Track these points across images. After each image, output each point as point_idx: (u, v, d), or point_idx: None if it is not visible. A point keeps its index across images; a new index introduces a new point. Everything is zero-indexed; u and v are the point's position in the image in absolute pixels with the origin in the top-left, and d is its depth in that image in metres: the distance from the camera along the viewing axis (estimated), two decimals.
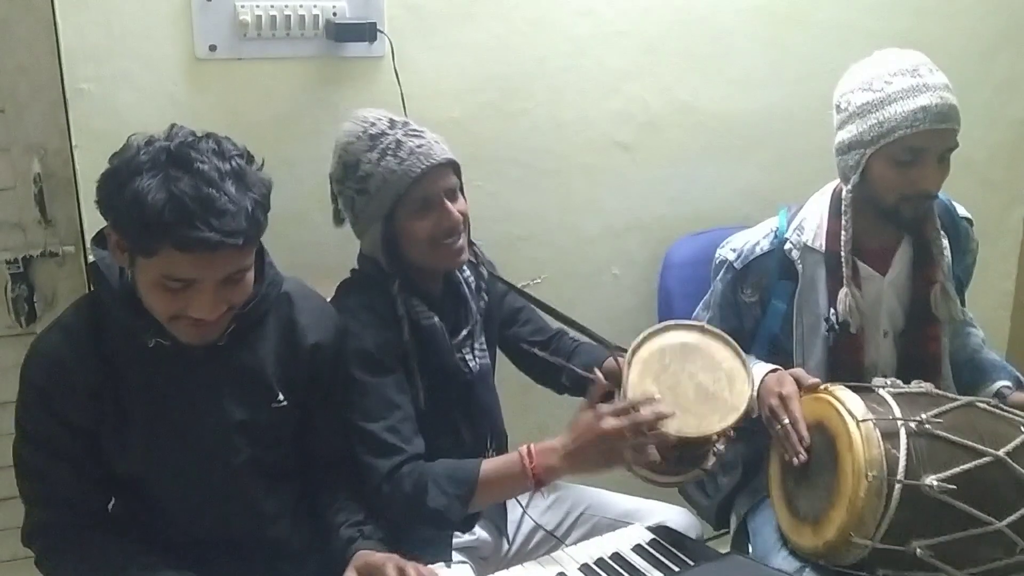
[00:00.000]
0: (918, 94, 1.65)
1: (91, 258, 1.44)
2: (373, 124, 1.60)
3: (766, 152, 2.31)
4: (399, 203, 1.58)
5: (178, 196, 1.25)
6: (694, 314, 1.94)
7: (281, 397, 1.50)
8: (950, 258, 1.83)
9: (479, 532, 1.76)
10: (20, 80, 1.72)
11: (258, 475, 1.52)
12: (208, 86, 1.80)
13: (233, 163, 1.32)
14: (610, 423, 1.47)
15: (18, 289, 1.80)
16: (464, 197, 1.68)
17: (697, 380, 1.56)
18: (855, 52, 1.81)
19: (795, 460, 1.58)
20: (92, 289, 1.48)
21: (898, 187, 1.69)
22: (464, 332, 1.72)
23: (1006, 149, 2.67)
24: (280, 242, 1.78)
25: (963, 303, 1.92)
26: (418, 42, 1.94)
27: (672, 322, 1.65)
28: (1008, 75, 2.60)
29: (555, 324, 1.89)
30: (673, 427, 1.49)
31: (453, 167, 1.64)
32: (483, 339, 1.79)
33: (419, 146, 1.58)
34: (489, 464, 1.55)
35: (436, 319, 1.66)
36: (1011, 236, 2.75)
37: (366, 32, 1.83)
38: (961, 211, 1.90)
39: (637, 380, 1.55)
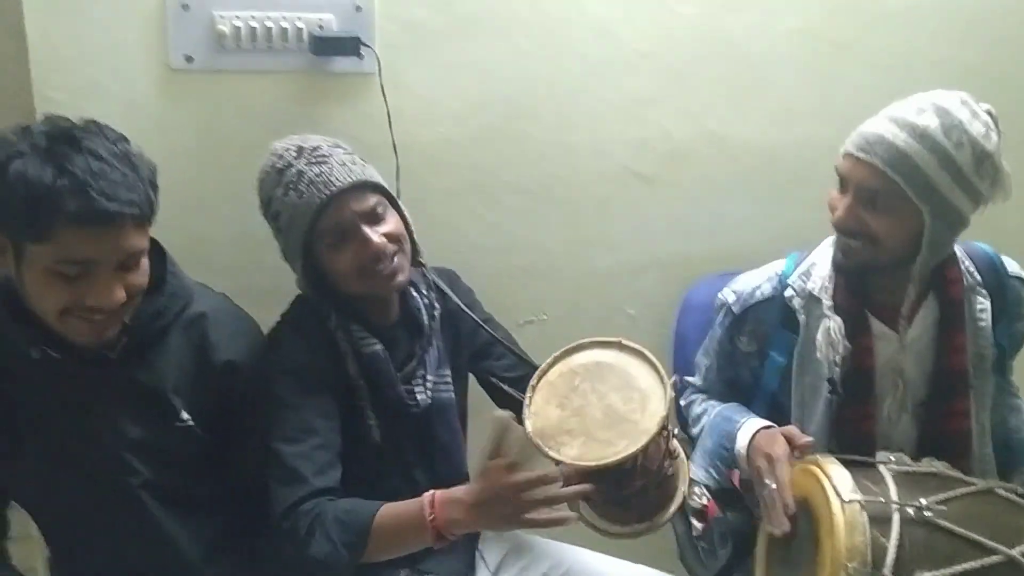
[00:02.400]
0: (877, 119, 1.50)
1: None
2: (281, 156, 1.50)
3: (808, 190, 2.08)
4: (311, 238, 1.48)
5: (69, 170, 1.21)
6: (695, 360, 1.77)
7: (185, 416, 1.43)
8: (989, 321, 1.59)
9: None
10: None
11: (161, 500, 1.45)
12: (183, 98, 1.74)
13: (118, 145, 1.28)
14: (506, 479, 1.35)
15: None
16: (400, 212, 1.56)
17: (607, 402, 1.38)
18: (918, 85, 1.57)
19: (776, 531, 1.39)
20: None
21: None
22: (413, 362, 1.60)
23: None
24: (256, 265, 1.72)
25: (1007, 373, 1.68)
26: (412, 59, 1.84)
27: (589, 340, 1.47)
28: None
29: (531, 360, 1.74)
30: (572, 455, 1.33)
31: (369, 187, 1.50)
32: (446, 371, 1.66)
33: (318, 175, 1.46)
34: (389, 509, 1.41)
35: (379, 346, 1.55)
36: None
37: (349, 46, 1.74)
38: (1012, 268, 1.65)
39: (541, 404, 1.39)
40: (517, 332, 1.82)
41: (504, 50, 1.90)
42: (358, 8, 1.77)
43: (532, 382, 1.43)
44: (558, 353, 1.46)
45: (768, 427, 1.54)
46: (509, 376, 1.72)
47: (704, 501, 1.70)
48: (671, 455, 1.45)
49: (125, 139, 1.31)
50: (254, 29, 1.73)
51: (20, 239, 1.25)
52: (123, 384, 1.40)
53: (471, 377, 1.78)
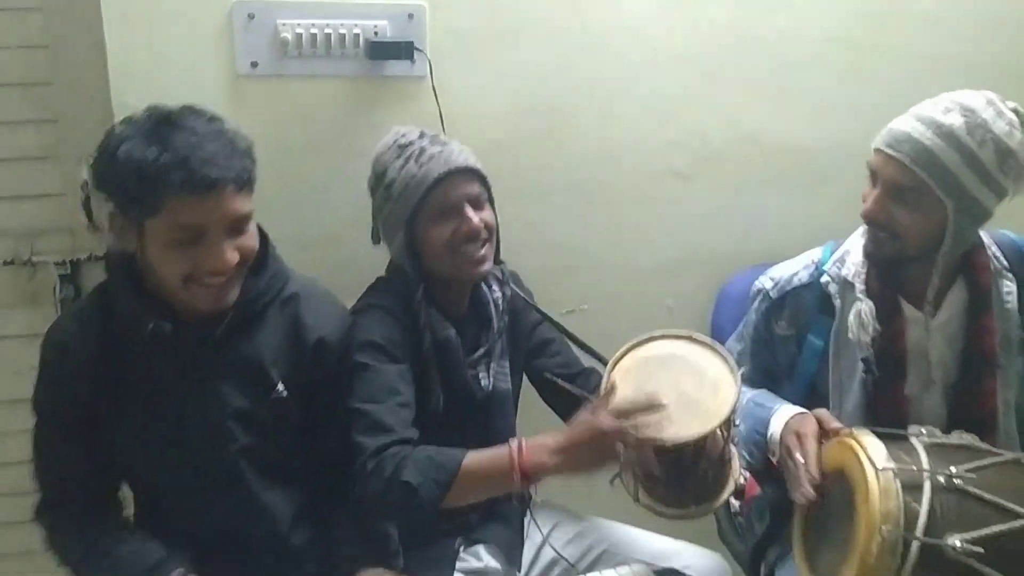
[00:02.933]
0: (905, 117, 1.59)
1: None
2: (404, 135, 1.67)
3: (839, 187, 2.18)
4: (419, 208, 1.61)
5: (170, 147, 1.34)
6: (726, 345, 1.85)
7: (280, 388, 1.54)
8: (1016, 304, 1.67)
9: (486, 558, 1.72)
10: (71, 94, 1.84)
11: (256, 468, 1.56)
12: (248, 102, 1.85)
13: (213, 123, 1.41)
14: (607, 422, 1.42)
15: (66, 290, 1.91)
16: (494, 211, 1.69)
17: (681, 388, 1.47)
18: (945, 84, 1.66)
19: (801, 500, 1.46)
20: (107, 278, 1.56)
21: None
22: (481, 351, 1.72)
23: None
24: (316, 263, 1.82)
25: None
26: (461, 64, 1.95)
27: (659, 332, 1.57)
28: None
29: (586, 362, 1.84)
30: (656, 432, 1.42)
31: (478, 176, 1.65)
32: (505, 363, 1.76)
33: (439, 152, 1.61)
34: (475, 453, 1.49)
35: (452, 332, 1.66)
36: None
37: (403, 51, 1.85)
38: None
39: (618, 387, 1.48)
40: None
41: (547, 56, 2.00)
42: (411, 16, 1.88)
43: (608, 368, 1.52)
44: (630, 344, 1.56)
45: (801, 413, 1.61)
46: (564, 373, 1.80)
47: (743, 480, 1.78)
48: (732, 442, 1.53)
49: (219, 118, 1.44)
50: (314, 36, 1.84)
51: (137, 217, 1.38)
52: (227, 357, 1.51)
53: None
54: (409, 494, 1.46)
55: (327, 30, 1.85)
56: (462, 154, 1.63)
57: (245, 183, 1.41)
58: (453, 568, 1.67)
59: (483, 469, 1.49)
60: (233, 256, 1.41)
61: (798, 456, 1.50)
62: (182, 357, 1.49)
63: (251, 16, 1.82)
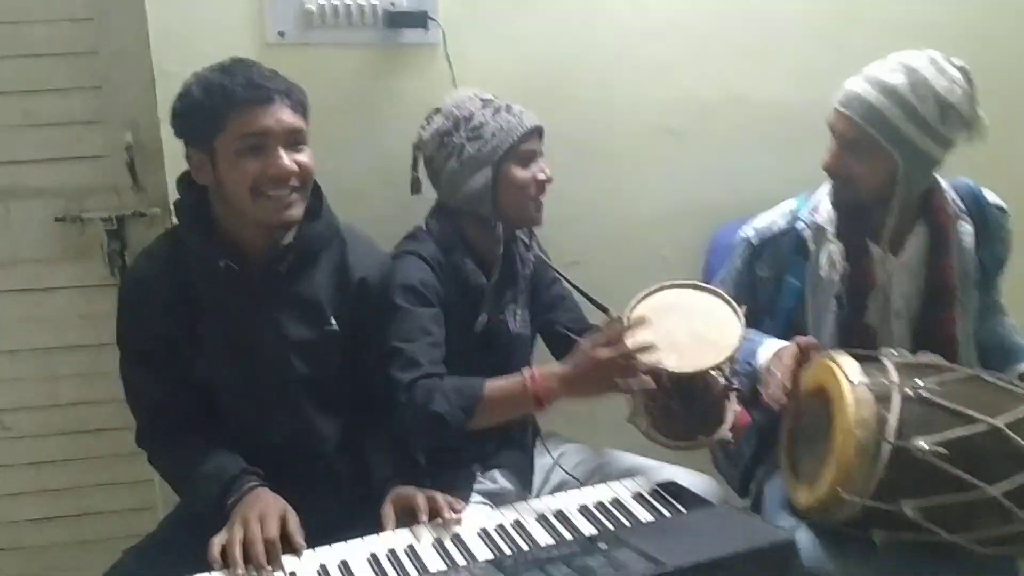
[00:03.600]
0: (856, 77, 1.78)
1: (175, 220, 1.72)
2: (482, 93, 1.86)
3: (821, 143, 2.29)
4: (511, 150, 1.80)
5: (232, 73, 1.57)
6: None
7: (333, 322, 1.71)
8: (972, 244, 1.85)
9: (501, 481, 1.87)
10: (115, 62, 1.97)
11: (311, 395, 1.73)
12: (279, 68, 1.99)
13: (267, 70, 1.62)
14: (604, 352, 1.60)
15: (112, 244, 2.04)
16: None
17: (692, 327, 1.66)
18: (918, 46, 1.83)
19: (774, 405, 1.67)
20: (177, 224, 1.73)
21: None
22: (508, 295, 1.89)
23: None
24: (338, 215, 1.97)
25: (995, 289, 1.95)
26: (471, 31, 2.10)
27: (668, 282, 1.75)
28: None
29: (593, 319, 1.99)
30: (672, 364, 1.60)
31: (542, 135, 1.88)
32: (527, 313, 1.94)
33: (523, 110, 1.84)
34: (494, 383, 1.67)
35: (484, 279, 1.84)
36: None
37: (418, 20, 2.01)
38: (992, 198, 1.91)
39: (634, 328, 1.64)
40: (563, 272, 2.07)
41: (551, 22, 2.16)
42: None
43: (628, 311, 1.70)
44: (640, 295, 1.74)
45: (785, 345, 1.79)
46: (573, 328, 1.96)
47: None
48: (735, 375, 1.71)
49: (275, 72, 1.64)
50: (336, 7, 2.00)
51: (209, 139, 1.57)
52: (287, 294, 1.68)
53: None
54: (439, 422, 1.63)
55: (347, 1, 2.00)
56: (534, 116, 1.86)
57: (299, 104, 1.61)
58: (471, 489, 1.83)
59: (502, 395, 1.67)
60: (293, 164, 1.58)
61: (774, 371, 1.68)
62: (249, 293, 1.65)
63: None
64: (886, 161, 1.76)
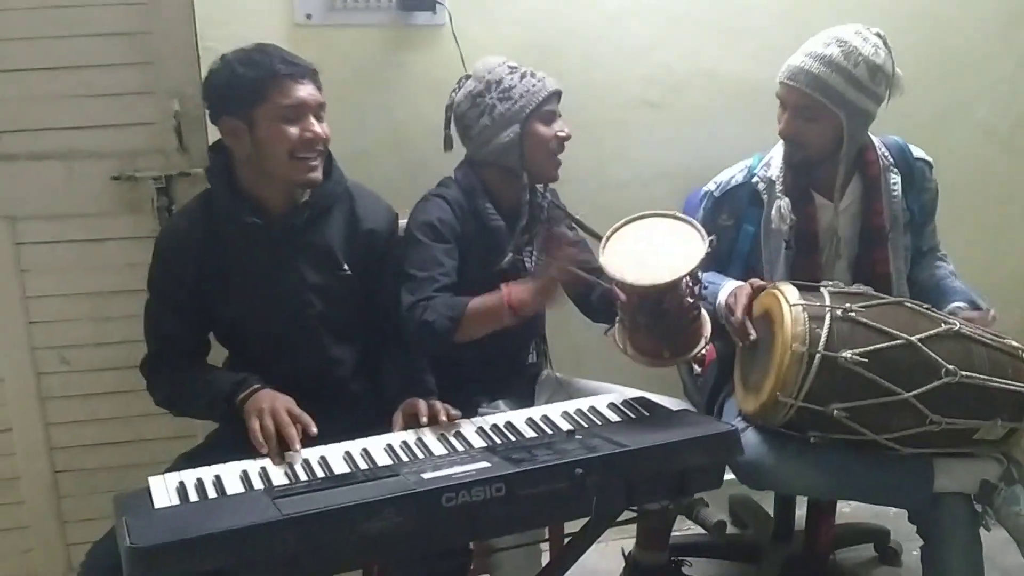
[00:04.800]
0: (797, 54, 2.03)
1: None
2: (507, 61, 2.10)
3: None
4: (537, 109, 2.05)
5: (264, 53, 1.83)
6: None
7: (345, 268, 1.99)
8: (901, 192, 2.14)
9: (503, 407, 2.11)
10: (164, 40, 2.21)
11: (327, 328, 2.00)
12: (304, 46, 2.22)
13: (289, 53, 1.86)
14: (554, 263, 1.89)
15: (161, 200, 2.29)
16: None
17: (661, 249, 1.84)
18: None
19: (730, 328, 1.95)
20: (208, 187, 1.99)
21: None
22: (527, 239, 2.14)
23: None
24: (352, 175, 2.24)
25: (929, 235, 2.24)
26: (474, 14, 2.40)
27: (650, 212, 1.95)
28: None
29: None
30: (631, 279, 1.79)
31: (560, 97, 2.11)
32: (543, 256, 2.15)
33: (545, 75, 2.09)
34: (478, 298, 1.92)
35: (503, 223, 2.10)
36: None
37: (427, 3, 2.31)
38: (918, 153, 2.20)
39: (614, 247, 1.88)
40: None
41: (543, 5, 2.45)
42: None
43: (607, 234, 1.92)
44: (628, 219, 1.95)
45: (740, 285, 2.06)
46: (584, 268, 2.11)
47: (704, 352, 2.23)
48: (701, 299, 1.91)
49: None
50: None
51: (248, 109, 1.81)
52: (305, 243, 1.94)
53: None
54: (428, 329, 1.90)
55: None
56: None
57: (319, 83, 1.87)
58: (475, 412, 2.05)
59: (484, 307, 1.92)
60: (324, 130, 1.86)
61: (732, 306, 1.97)
62: (271, 244, 1.91)
63: None
64: (832, 121, 2.04)
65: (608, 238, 1.91)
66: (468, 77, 2.12)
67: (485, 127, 2.08)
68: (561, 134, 2.09)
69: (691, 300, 1.88)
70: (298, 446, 1.73)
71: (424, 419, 1.83)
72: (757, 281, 2.04)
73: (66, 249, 2.33)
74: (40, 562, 2.47)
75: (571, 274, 1.89)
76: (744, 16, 2.59)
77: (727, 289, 2.07)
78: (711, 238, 1.82)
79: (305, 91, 1.84)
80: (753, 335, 1.95)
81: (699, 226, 1.88)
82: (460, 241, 2.06)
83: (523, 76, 2.06)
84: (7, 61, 2.18)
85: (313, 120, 1.85)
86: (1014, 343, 1.91)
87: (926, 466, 1.90)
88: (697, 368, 2.36)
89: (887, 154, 2.16)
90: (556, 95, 2.09)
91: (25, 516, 2.44)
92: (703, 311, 1.95)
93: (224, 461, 1.69)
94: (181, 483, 1.62)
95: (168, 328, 1.96)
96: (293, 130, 1.83)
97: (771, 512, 2.53)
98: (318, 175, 1.90)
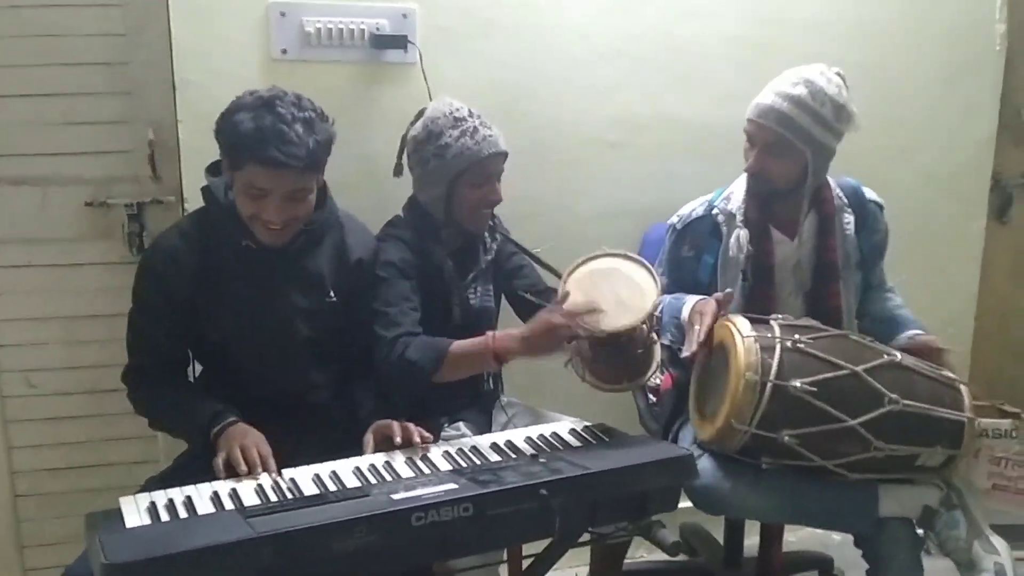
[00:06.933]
0: (766, 92, 2.13)
1: (187, 206, 2.03)
2: (458, 109, 2.11)
3: (737, 156, 2.66)
4: (465, 172, 2.09)
5: (260, 127, 1.77)
6: None
7: (332, 295, 2.03)
8: (853, 231, 2.24)
9: (464, 430, 2.15)
10: (142, 71, 2.29)
11: (311, 353, 2.05)
12: (280, 80, 2.22)
13: (306, 114, 1.83)
14: (558, 319, 1.91)
15: (132, 227, 2.34)
16: None
17: (617, 293, 1.94)
18: None
19: (687, 353, 2.02)
20: (204, 205, 2.00)
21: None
22: (471, 275, 2.22)
23: (970, 166, 3.03)
24: None
25: (879, 271, 2.34)
26: (444, 53, 2.47)
27: (603, 251, 2.05)
28: (971, 100, 2.97)
29: (548, 283, 2.29)
30: (596, 324, 1.89)
31: (503, 158, 2.16)
32: (489, 287, 2.27)
33: (489, 135, 2.10)
34: (462, 342, 1.99)
35: (449, 262, 2.16)
36: (974, 243, 3.10)
37: (399, 42, 2.39)
38: (870, 195, 2.31)
39: (572, 293, 1.97)
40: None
41: (511, 48, 2.53)
42: (404, 15, 2.41)
43: (563, 279, 1.99)
44: (579, 260, 2.03)
45: (703, 299, 2.14)
46: (532, 291, 2.27)
47: (659, 380, 2.31)
48: (655, 332, 2.01)
49: (316, 110, 1.86)
50: (331, 30, 2.36)
51: (230, 161, 1.85)
52: (296, 269, 1.98)
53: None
54: (411, 368, 1.96)
55: (340, 26, 2.37)
56: (501, 139, 2.12)
57: (314, 164, 1.84)
58: (439, 436, 2.10)
59: (467, 351, 1.99)
60: (283, 216, 1.84)
61: (696, 327, 2.04)
62: (265, 268, 1.95)
63: (283, 14, 2.34)
64: (798, 157, 2.14)
65: (565, 281, 1.99)
66: (422, 114, 2.17)
67: (419, 176, 2.17)
68: (491, 198, 2.13)
69: (646, 334, 1.98)
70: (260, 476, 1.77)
71: (398, 439, 1.88)
72: (723, 294, 2.10)
73: (37, 273, 2.37)
74: None
75: (574, 334, 1.93)
76: (702, 63, 2.70)
77: (689, 305, 2.15)
78: (663, 280, 1.96)
79: (277, 180, 1.81)
80: (702, 339, 2.02)
81: (651, 267, 2.00)
82: (419, 278, 2.13)
83: (463, 134, 2.07)
84: None
85: (278, 207, 1.84)
86: (951, 374, 2.02)
87: (872, 492, 1.99)
88: (652, 397, 2.43)
89: (841, 194, 2.27)
90: (496, 157, 2.11)
91: None
92: (656, 338, 2.03)
93: (195, 483, 1.72)
94: (152, 503, 1.65)
95: (152, 342, 1.98)
96: (251, 205, 1.85)
97: (720, 540, 2.61)
98: (279, 241, 1.91)
